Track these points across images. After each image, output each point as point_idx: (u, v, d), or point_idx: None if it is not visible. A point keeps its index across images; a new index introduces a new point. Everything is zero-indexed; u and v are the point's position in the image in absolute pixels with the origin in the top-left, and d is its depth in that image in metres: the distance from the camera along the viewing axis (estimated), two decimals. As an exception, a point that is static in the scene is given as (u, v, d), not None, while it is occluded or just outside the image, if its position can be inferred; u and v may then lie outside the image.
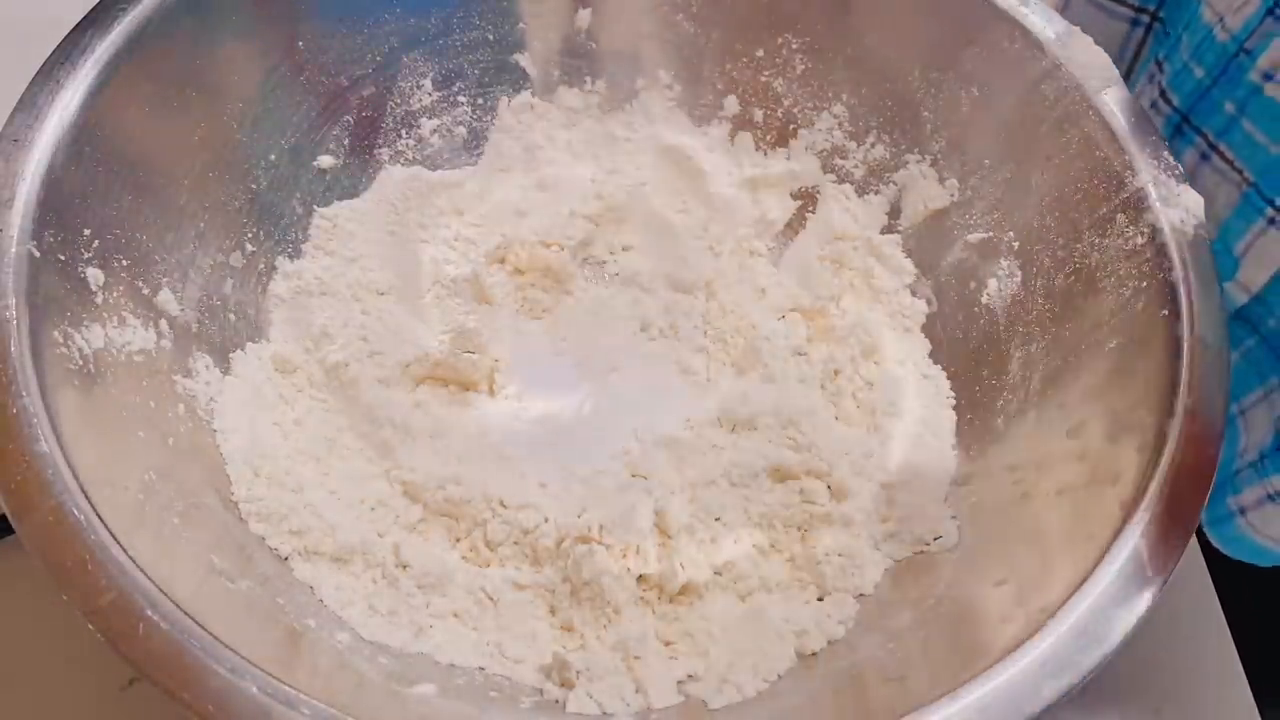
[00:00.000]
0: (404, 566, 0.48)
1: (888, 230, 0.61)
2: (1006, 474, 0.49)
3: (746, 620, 0.48)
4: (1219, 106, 0.51)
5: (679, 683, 0.46)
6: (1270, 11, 0.48)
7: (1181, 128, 0.53)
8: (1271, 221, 0.50)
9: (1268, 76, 0.48)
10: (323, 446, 0.52)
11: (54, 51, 0.46)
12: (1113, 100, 0.50)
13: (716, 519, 0.51)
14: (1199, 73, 0.52)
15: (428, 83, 0.62)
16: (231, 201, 0.54)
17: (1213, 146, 0.52)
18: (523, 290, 0.61)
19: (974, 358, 0.56)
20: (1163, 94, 0.54)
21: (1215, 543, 0.57)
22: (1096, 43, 0.53)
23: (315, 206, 0.59)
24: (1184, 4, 0.54)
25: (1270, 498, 0.54)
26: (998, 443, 0.51)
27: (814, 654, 0.46)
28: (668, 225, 0.63)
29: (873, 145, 0.61)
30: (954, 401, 0.56)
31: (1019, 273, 0.54)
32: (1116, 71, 0.51)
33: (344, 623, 0.46)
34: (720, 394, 0.57)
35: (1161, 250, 0.46)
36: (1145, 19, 0.57)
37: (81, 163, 0.45)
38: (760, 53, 0.62)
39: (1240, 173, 0.51)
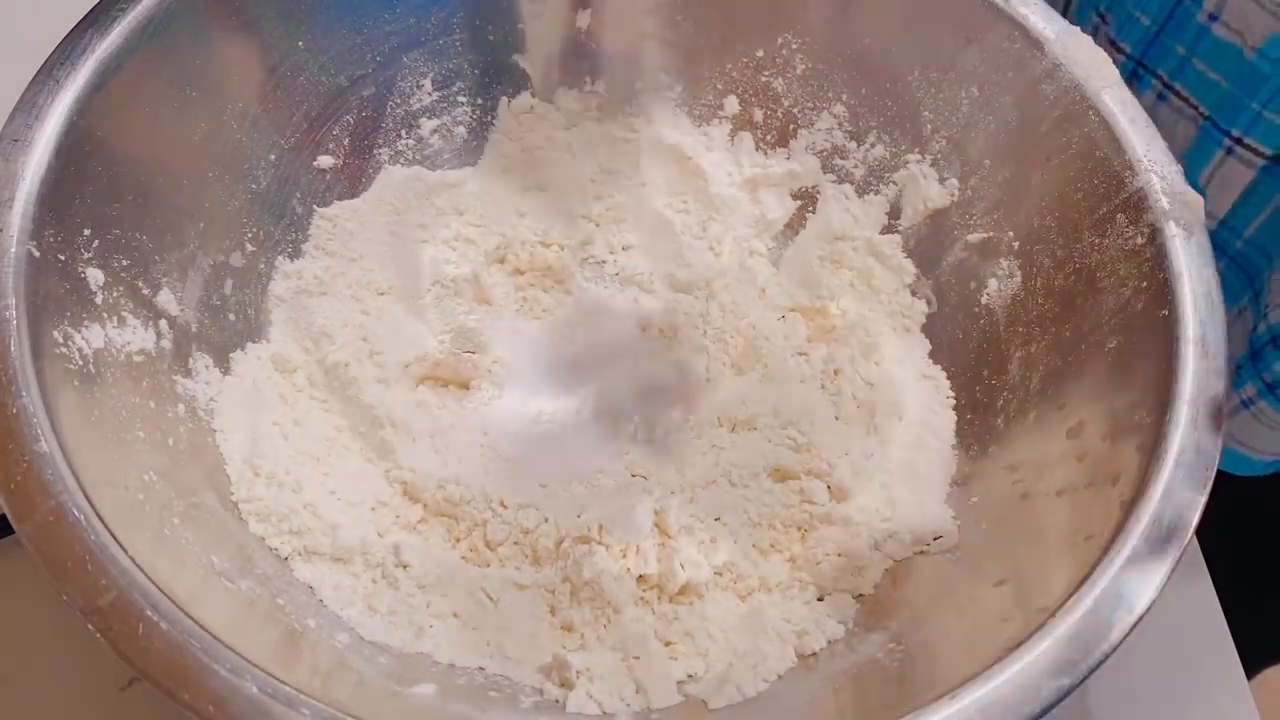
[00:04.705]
0: (404, 566, 0.48)
1: (888, 230, 0.61)
2: (1006, 474, 0.49)
3: (746, 620, 0.48)
4: (1170, 50, 0.56)
5: (679, 683, 0.46)
6: None
7: (1137, 72, 0.57)
8: (1229, 151, 0.55)
9: (1213, 18, 0.53)
10: (322, 446, 0.52)
11: (54, 51, 0.46)
12: (1113, 100, 0.50)
13: (716, 519, 0.52)
14: (1145, 20, 0.57)
15: (428, 83, 0.62)
16: (231, 201, 0.54)
17: (1168, 87, 0.57)
18: (523, 290, 0.61)
19: (974, 358, 0.56)
20: (1112, 43, 0.58)
21: None
22: None
23: (315, 206, 0.59)
24: None
25: (1244, 404, 0.58)
26: (998, 443, 0.51)
27: (814, 654, 0.46)
28: (668, 225, 0.63)
29: (873, 145, 0.61)
30: (954, 401, 0.55)
31: (1019, 273, 0.54)
32: (1116, 71, 0.51)
33: (344, 623, 0.46)
34: (720, 394, 0.57)
35: (1161, 250, 0.46)
36: None
37: (81, 163, 0.45)
38: (760, 53, 0.62)
39: (1196, 109, 0.56)
